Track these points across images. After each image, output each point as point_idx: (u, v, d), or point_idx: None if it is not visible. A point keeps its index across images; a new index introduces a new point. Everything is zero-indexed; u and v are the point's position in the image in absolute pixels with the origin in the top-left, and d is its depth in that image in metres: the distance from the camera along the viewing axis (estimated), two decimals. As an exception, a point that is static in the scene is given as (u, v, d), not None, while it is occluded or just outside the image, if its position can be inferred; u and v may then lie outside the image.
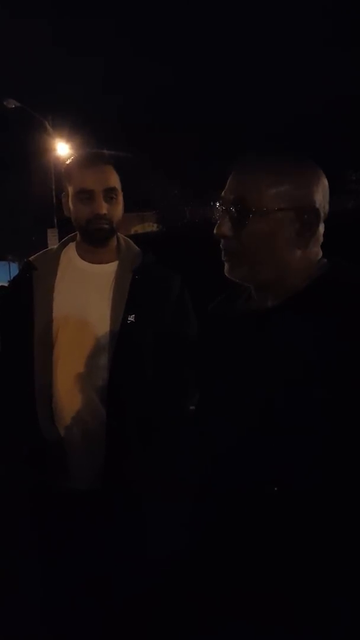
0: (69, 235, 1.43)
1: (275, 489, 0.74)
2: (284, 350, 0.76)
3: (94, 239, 1.33)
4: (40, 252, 1.45)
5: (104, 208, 1.28)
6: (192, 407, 1.29)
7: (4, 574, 1.77)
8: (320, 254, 0.84)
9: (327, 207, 0.81)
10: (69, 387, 1.31)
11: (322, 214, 0.80)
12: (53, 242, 13.28)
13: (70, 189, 1.32)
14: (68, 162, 1.36)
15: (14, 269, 28.52)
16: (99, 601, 1.32)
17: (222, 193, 0.82)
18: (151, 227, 16.33)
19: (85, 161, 1.32)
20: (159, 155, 17.36)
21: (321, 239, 0.83)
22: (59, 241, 1.45)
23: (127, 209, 1.39)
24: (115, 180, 1.30)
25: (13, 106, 13.92)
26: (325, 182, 0.81)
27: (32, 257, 1.42)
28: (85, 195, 1.28)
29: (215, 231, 0.82)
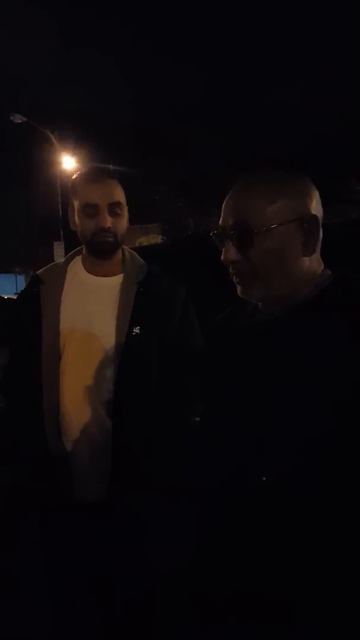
0: (76, 249, 1.45)
1: (264, 478, 0.75)
2: (292, 360, 0.76)
3: (99, 252, 1.35)
4: (48, 266, 1.46)
5: (108, 222, 1.30)
6: (197, 419, 1.28)
7: (11, 583, 1.77)
8: (322, 265, 0.85)
9: (321, 211, 0.83)
10: (76, 400, 1.31)
11: (319, 220, 0.82)
12: (59, 255, 13.39)
13: (76, 204, 1.34)
14: (74, 177, 1.38)
15: (21, 282, 28.75)
16: (104, 609, 1.31)
17: (220, 222, 0.83)
18: (155, 238, 16.43)
19: (91, 176, 1.34)
20: (162, 168, 17.53)
21: (319, 248, 0.84)
22: (65, 253, 1.46)
23: (131, 221, 1.41)
24: (119, 195, 1.32)
25: (19, 121, 14.14)
26: (315, 189, 0.83)
27: (40, 271, 1.44)
28: (90, 210, 1.31)
29: (222, 258, 0.83)
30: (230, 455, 0.80)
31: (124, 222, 1.34)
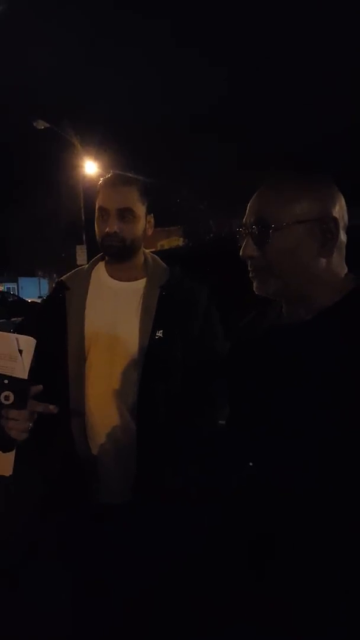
0: (99, 255, 1.46)
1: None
2: (312, 366, 0.77)
3: (108, 255, 1.39)
4: (72, 271, 1.49)
5: (114, 226, 1.32)
6: (221, 422, 1.28)
7: (36, 584, 1.79)
8: (346, 268, 0.85)
9: (345, 217, 0.84)
10: (101, 403, 1.33)
11: (341, 223, 0.82)
12: (82, 259, 13.56)
13: (96, 209, 1.37)
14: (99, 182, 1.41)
15: (44, 285, 29.30)
16: (128, 610, 1.31)
17: (243, 220, 0.86)
18: (177, 241, 16.50)
19: (108, 182, 1.37)
20: (184, 170, 17.60)
21: (344, 251, 0.85)
22: (88, 257, 1.48)
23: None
24: (132, 201, 1.33)
25: (42, 127, 14.40)
26: (339, 194, 0.84)
27: (65, 276, 1.47)
28: (102, 213, 1.35)
29: (240, 254, 0.85)
30: (259, 466, 0.81)
31: (134, 229, 1.35)
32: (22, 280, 31.92)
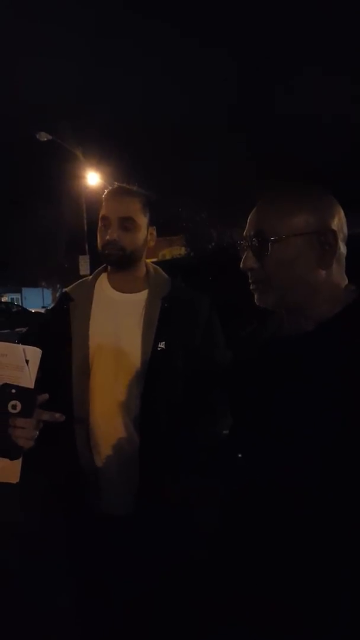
0: (102, 266, 1.48)
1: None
2: (311, 377, 0.77)
3: (108, 264, 1.41)
4: (76, 282, 1.50)
5: (114, 234, 1.34)
6: (225, 432, 1.28)
7: (39, 593, 1.78)
8: (346, 279, 0.86)
9: (345, 229, 0.85)
10: (105, 415, 1.34)
11: (340, 235, 0.83)
12: (84, 269, 13.62)
13: (99, 218, 1.40)
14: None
15: (47, 295, 29.39)
16: (130, 620, 1.31)
17: (244, 233, 0.87)
18: (179, 250, 16.54)
19: (111, 192, 1.40)
20: (185, 179, 17.71)
21: (344, 262, 0.86)
22: (91, 267, 1.50)
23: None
24: (133, 211, 1.36)
25: (45, 139, 14.55)
26: (338, 206, 0.86)
27: (69, 287, 1.48)
28: (103, 223, 1.37)
29: (241, 266, 0.87)
30: (258, 475, 0.82)
31: (134, 238, 1.36)
32: (26, 291, 32.05)
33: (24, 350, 0.92)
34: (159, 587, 1.28)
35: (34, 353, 0.92)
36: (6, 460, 0.91)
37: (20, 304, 24.08)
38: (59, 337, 1.37)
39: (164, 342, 1.32)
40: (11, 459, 0.91)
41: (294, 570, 0.74)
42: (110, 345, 1.35)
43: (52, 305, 1.54)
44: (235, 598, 0.80)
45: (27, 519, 1.72)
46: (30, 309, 19.73)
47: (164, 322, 1.34)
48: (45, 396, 0.94)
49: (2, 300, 26.97)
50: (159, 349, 1.32)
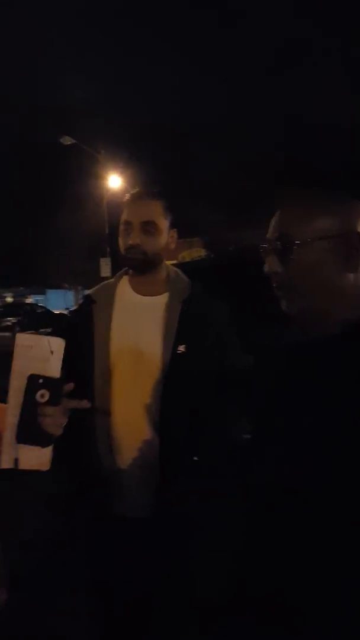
0: (124, 269, 1.49)
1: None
2: (339, 380, 0.76)
3: (131, 268, 1.42)
4: (99, 285, 1.52)
5: (137, 239, 1.35)
6: (246, 436, 1.28)
7: (59, 597, 1.80)
8: None
9: None
10: (126, 417, 1.35)
11: None
12: (105, 271, 13.75)
13: (120, 223, 1.41)
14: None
15: (69, 297, 29.74)
16: (148, 623, 1.32)
17: (267, 235, 0.86)
18: (198, 252, 16.52)
19: (132, 196, 1.41)
20: (205, 182, 17.68)
21: None
22: (112, 270, 1.52)
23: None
24: (155, 215, 1.36)
25: (69, 143, 14.74)
26: None
27: (92, 290, 1.50)
28: (125, 227, 1.38)
29: (265, 269, 0.86)
30: (266, 470, 0.82)
31: (156, 241, 1.37)
32: (50, 293, 32.53)
33: (48, 341, 0.95)
34: (177, 589, 1.28)
35: (58, 343, 0.95)
36: (37, 448, 0.93)
37: (44, 306, 24.42)
38: (82, 339, 1.38)
39: (183, 345, 1.33)
40: (42, 446, 0.93)
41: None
42: (130, 349, 1.36)
43: (74, 307, 1.57)
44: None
45: (47, 520, 1.74)
46: (53, 310, 19.99)
47: (184, 325, 1.35)
48: (71, 385, 0.96)
49: (27, 301, 27.43)
50: (178, 351, 1.32)
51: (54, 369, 0.94)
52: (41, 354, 0.94)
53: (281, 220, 0.85)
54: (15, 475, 0.94)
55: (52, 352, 0.94)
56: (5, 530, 0.97)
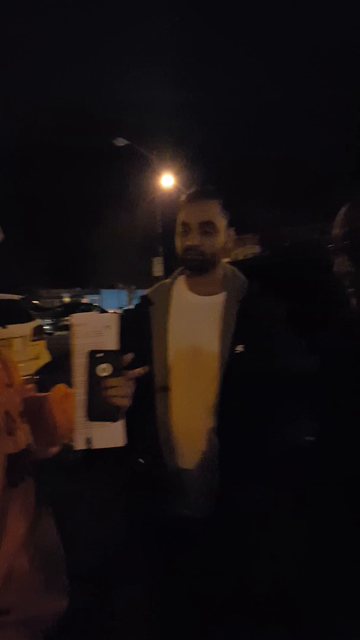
0: (180, 268, 1.49)
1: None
2: None
3: (189, 269, 1.40)
4: (155, 285, 1.52)
5: (195, 240, 1.33)
6: (310, 438, 1.23)
7: (117, 595, 1.82)
8: None
9: None
10: (185, 417, 1.35)
11: None
12: (158, 270, 13.90)
13: (177, 224, 1.40)
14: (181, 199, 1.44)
15: (123, 297, 30.43)
16: (208, 624, 1.30)
17: (334, 232, 0.83)
18: (252, 249, 16.33)
19: (189, 197, 1.39)
20: (256, 179, 17.45)
21: None
22: (165, 269, 1.51)
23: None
24: (213, 215, 1.34)
25: (122, 144, 15.00)
26: None
27: (148, 291, 1.51)
28: (183, 228, 1.36)
29: (335, 269, 0.83)
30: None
31: (215, 242, 1.35)
32: (104, 293, 33.44)
33: (102, 316, 0.96)
34: (236, 590, 1.26)
35: (112, 318, 0.96)
36: (109, 424, 0.94)
37: (99, 305, 25.15)
38: (140, 341, 1.38)
39: (242, 345, 1.30)
40: (113, 420, 0.94)
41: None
42: (188, 349, 1.35)
43: (128, 307, 1.58)
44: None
45: (107, 522, 1.76)
46: (108, 310, 20.54)
47: (242, 325, 1.32)
48: (130, 355, 0.96)
49: (83, 301, 28.38)
50: (237, 351, 1.30)
51: (111, 341, 0.94)
52: (97, 329, 0.95)
53: (351, 217, 0.79)
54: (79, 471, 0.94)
55: (107, 327, 0.95)
56: (66, 536, 0.97)
